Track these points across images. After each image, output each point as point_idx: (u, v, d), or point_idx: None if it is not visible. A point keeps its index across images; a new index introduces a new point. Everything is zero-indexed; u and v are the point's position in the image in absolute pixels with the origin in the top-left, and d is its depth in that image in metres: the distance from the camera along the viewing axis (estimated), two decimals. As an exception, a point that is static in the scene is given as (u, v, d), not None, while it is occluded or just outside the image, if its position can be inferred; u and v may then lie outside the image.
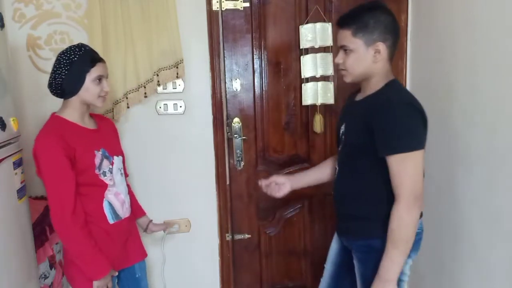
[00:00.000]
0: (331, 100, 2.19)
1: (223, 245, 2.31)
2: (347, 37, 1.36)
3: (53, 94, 1.50)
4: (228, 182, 2.27)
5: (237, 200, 2.31)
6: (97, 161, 1.48)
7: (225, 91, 2.20)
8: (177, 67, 2.04)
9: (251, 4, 2.15)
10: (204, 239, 2.28)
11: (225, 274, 2.34)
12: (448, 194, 1.84)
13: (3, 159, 1.36)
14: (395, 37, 1.38)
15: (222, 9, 2.14)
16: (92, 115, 1.62)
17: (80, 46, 1.48)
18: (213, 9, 2.12)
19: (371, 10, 1.35)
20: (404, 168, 1.28)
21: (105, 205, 1.52)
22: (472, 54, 1.63)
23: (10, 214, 1.40)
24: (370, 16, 1.34)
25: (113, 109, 2.01)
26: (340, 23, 1.39)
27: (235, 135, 2.23)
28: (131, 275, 1.70)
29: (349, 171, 1.47)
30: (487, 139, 1.54)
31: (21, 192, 1.49)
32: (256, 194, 2.30)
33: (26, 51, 2.02)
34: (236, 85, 2.22)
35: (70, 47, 1.48)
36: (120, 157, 1.63)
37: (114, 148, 1.61)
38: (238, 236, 2.33)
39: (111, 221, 1.53)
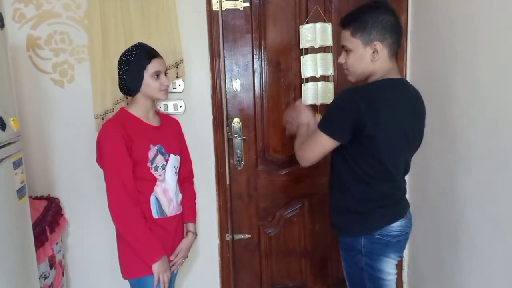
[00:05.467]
0: (331, 100, 2.19)
1: (223, 245, 2.31)
2: (347, 37, 1.40)
3: (124, 94, 1.60)
4: (228, 182, 2.27)
5: (237, 200, 2.31)
6: (151, 154, 1.54)
7: (225, 91, 2.20)
8: (177, 67, 2.04)
9: (251, 4, 2.15)
10: (204, 239, 2.28)
11: (225, 274, 2.34)
12: (448, 194, 1.84)
13: (3, 159, 1.36)
14: (395, 35, 1.39)
15: (222, 9, 2.14)
16: (159, 114, 1.68)
17: (137, 45, 1.56)
18: (213, 9, 2.12)
19: (371, 10, 1.36)
20: (315, 138, 1.40)
21: (152, 199, 1.56)
22: (472, 54, 1.63)
23: (10, 214, 1.40)
24: (369, 16, 1.35)
25: (113, 109, 2.01)
26: (342, 24, 1.42)
27: (235, 135, 2.23)
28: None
29: (333, 162, 1.52)
30: (487, 139, 1.54)
31: (21, 192, 1.49)
32: (256, 194, 2.30)
33: (26, 51, 2.02)
34: (236, 85, 2.22)
35: (129, 48, 1.56)
36: (178, 157, 1.66)
37: (172, 146, 1.64)
38: (238, 236, 2.33)
39: (155, 215, 1.57)
